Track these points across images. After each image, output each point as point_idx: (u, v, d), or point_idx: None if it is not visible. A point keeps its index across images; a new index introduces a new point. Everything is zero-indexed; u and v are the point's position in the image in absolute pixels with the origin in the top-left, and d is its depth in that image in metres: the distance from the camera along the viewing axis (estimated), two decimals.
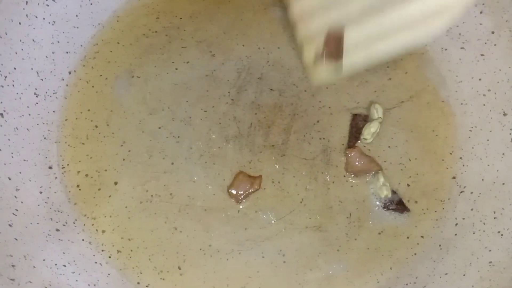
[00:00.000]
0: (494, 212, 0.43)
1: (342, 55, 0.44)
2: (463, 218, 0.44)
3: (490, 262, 0.41)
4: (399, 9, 0.39)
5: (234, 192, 0.44)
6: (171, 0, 0.53)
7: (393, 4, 0.39)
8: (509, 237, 0.41)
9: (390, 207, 0.45)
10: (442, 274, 0.42)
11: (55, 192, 0.45)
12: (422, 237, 0.44)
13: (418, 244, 0.44)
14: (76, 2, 0.49)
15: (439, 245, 0.44)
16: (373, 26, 0.40)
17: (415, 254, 0.44)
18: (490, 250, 0.41)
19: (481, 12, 0.47)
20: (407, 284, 0.43)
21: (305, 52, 0.45)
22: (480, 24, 0.47)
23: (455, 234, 0.44)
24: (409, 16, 0.38)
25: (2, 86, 0.44)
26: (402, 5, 0.38)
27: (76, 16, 0.50)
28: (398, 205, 0.45)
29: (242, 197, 0.44)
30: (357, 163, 0.45)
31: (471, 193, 0.45)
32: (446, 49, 0.49)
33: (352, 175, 0.45)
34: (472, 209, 0.44)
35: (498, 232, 0.42)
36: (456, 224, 0.44)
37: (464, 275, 0.41)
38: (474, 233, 0.43)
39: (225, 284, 0.43)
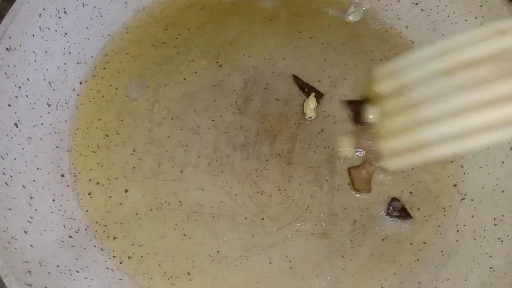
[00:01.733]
0: (494, 219, 0.44)
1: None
2: (464, 225, 0.45)
3: (491, 267, 0.42)
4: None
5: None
6: (179, 12, 0.54)
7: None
8: (509, 243, 0.42)
9: (393, 214, 0.46)
10: (444, 279, 0.43)
11: (67, 200, 0.46)
12: (424, 243, 0.46)
13: (420, 250, 0.45)
14: (87, 14, 0.51)
15: (441, 251, 0.45)
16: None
17: (418, 260, 0.45)
18: (490, 256, 0.42)
19: (481, 24, 0.48)
20: None
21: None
22: None
23: (457, 240, 0.45)
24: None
25: (16, 97, 0.45)
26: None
27: (87, 27, 0.51)
28: (401, 212, 0.46)
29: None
30: (362, 181, 0.47)
31: (472, 200, 0.46)
32: None
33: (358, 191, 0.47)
34: (473, 216, 0.45)
35: (498, 238, 0.43)
36: (458, 231, 0.45)
37: (465, 280, 0.42)
38: (475, 239, 0.44)
39: None
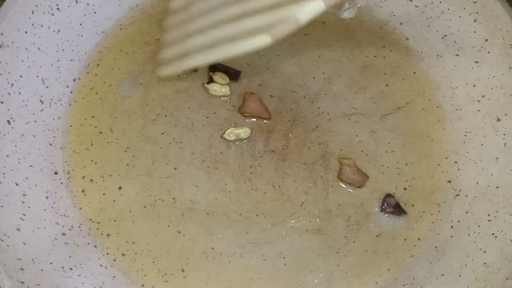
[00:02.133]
0: (489, 215, 0.44)
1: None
2: (459, 221, 0.45)
3: (485, 263, 0.42)
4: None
5: (244, 110, 0.48)
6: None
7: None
8: (503, 239, 0.42)
9: (388, 210, 0.46)
10: (438, 275, 0.43)
11: (60, 197, 0.46)
12: (419, 239, 0.46)
13: (415, 246, 0.45)
14: (80, 11, 0.50)
15: (436, 247, 0.45)
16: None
17: (412, 256, 0.45)
18: (484, 252, 0.42)
19: (475, 21, 0.48)
20: (404, 285, 0.44)
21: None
22: (474, 32, 0.48)
23: (451, 236, 0.45)
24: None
25: (9, 94, 0.45)
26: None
27: (80, 24, 0.51)
28: (395, 208, 0.46)
29: (250, 115, 0.49)
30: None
31: (466, 196, 0.46)
32: (441, 56, 0.50)
33: (345, 183, 0.47)
34: (467, 212, 0.45)
35: (492, 234, 0.43)
36: (452, 227, 0.45)
37: (459, 276, 0.42)
38: (469, 235, 0.44)
39: (227, 286, 0.44)
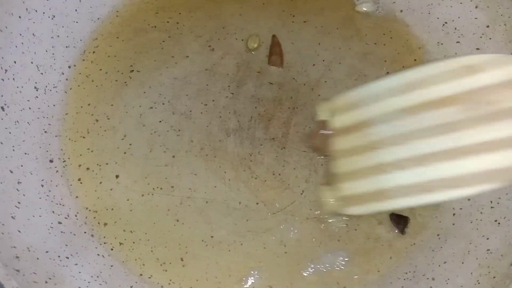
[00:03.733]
0: (491, 202, 0.44)
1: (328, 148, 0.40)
2: (461, 208, 0.45)
3: (488, 250, 0.41)
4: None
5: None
6: None
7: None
8: (505, 225, 0.42)
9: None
10: (441, 262, 0.43)
11: (56, 186, 0.45)
12: (421, 227, 0.45)
13: (417, 234, 0.45)
14: None
15: (438, 235, 0.45)
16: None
17: (414, 243, 0.45)
18: (487, 238, 0.42)
19: (476, 7, 0.48)
20: (406, 273, 0.43)
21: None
22: (475, 18, 0.48)
23: (453, 224, 0.45)
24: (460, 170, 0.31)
25: (3, 80, 0.44)
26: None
27: (76, 10, 0.50)
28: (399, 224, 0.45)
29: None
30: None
31: None
32: (442, 44, 0.50)
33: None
34: (469, 199, 0.45)
35: (495, 220, 0.43)
36: (454, 214, 0.45)
37: (462, 263, 0.42)
38: (471, 222, 0.44)
39: (227, 275, 0.43)
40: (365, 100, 0.36)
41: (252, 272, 0.44)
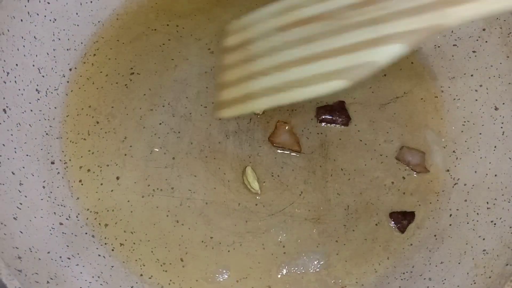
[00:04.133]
0: (487, 203, 0.44)
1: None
2: (457, 209, 0.45)
3: (484, 250, 0.42)
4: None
5: (274, 140, 0.47)
6: None
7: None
8: (501, 226, 0.42)
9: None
10: (437, 263, 0.43)
11: (57, 187, 0.45)
12: (418, 228, 0.46)
13: (414, 234, 0.45)
14: (77, 0, 0.50)
15: (435, 236, 0.45)
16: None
17: (411, 244, 0.45)
18: (484, 239, 0.43)
19: None
20: (404, 273, 0.44)
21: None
22: (472, 21, 0.49)
23: (450, 225, 0.45)
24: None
25: (5, 82, 0.44)
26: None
27: (77, 14, 0.50)
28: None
29: (280, 146, 0.47)
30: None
31: (465, 185, 0.46)
32: (439, 46, 0.51)
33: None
34: (466, 200, 0.45)
35: (491, 221, 0.43)
36: (451, 215, 0.45)
37: (459, 263, 0.42)
38: (468, 223, 0.44)
39: (227, 275, 0.44)
40: (251, 23, 0.42)
41: (251, 272, 0.44)
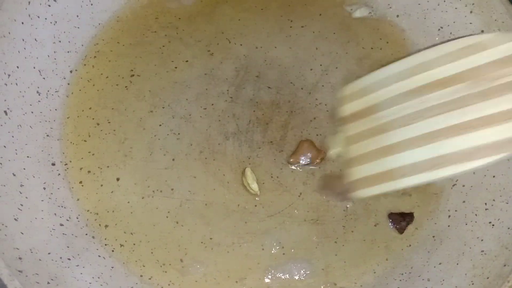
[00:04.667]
0: (486, 204, 0.44)
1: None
2: (456, 210, 0.46)
3: (482, 251, 0.42)
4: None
5: (298, 159, 0.46)
6: (169, 1, 0.54)
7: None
8: (499, 227, 0.42)
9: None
10: (436, 263, 0.44)
11: (58, 188, 0.46)
12: (416, 228, 0.46)
13: (412, 235, 0.46)
14: (77, 3, 0.50)
15: (433, 236, 0.45)
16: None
17: (410, 245, 0.45)
18: (482, 240, 0.43)
19: (471, 12, 0.48)
20: (402, 274, 0.44)
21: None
22: (470, 23, 0.49)
23: (448, 226, 0.45)
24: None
25: (6, 84, 0.44)
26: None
27: (77, 16, 0.50)
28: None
29: (303, 164, 0.46)
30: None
31: (463, 186, 0.46)
32: None
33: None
34: (464, 201, 0.46)
35: (489, 222, 0.43)
36: (449, 216, 0.46)
37: (457, 264, 0.43)
38: (466, 224, 0.44)
39: (226, 276, 0.44)
40: (371, 87, 0.37)
41: (250, 273, 0.44)
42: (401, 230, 0.45)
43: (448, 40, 0.35)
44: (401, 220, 0.45)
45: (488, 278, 0.40)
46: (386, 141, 0.36)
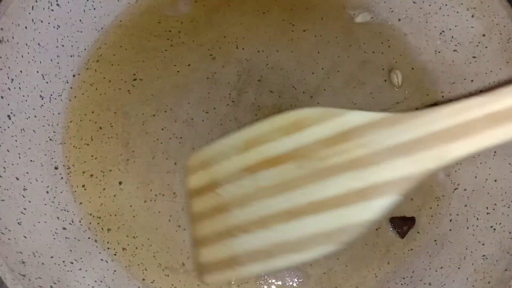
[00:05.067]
0: (487, 208, 0.44)
1: None
2: (457, 214, 0.46)
3: (484, 255, 0.42)
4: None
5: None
6: (172, 5, 0.54)
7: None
8: (501, 231, 0.42)
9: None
10: (437, 268, 0.44)
11: (61, 192, 0.46)
12: (418, 233, 0.46)
13: (414, 239, 0.46)
14: (80, 7, 0.51)
15: (435, 241, 0.45)
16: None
17: (412, 249, 0.45)
18: (483, 244, 0.43)
19: (472, 16, 0.49)
20: (404, 278, 0.44)
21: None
22: (472, 27, 0.49)
23: (450, 230, 0.45)
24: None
25: (9, 89, 0.45)
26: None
27: (80, 20, 0.51)
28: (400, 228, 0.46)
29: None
30: None
31: (465, 190, 0.46)
32: (439, 52, 0.51)
33: None
34: (466, 205, 0.46)
35: (491, 227, 0.43)
36: (451, 220, 0.46)
37: (459, 268, 0.43)
38: (468, 228, 0.45)
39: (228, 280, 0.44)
40: (216, 157, 0.35)
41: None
42: (402, 234, 0.45)
43: (277, 114, 0.33)
44: (403, 224, 0.45)
45: (489, 282, 0.40)
46: (227, 221, 0.33)
